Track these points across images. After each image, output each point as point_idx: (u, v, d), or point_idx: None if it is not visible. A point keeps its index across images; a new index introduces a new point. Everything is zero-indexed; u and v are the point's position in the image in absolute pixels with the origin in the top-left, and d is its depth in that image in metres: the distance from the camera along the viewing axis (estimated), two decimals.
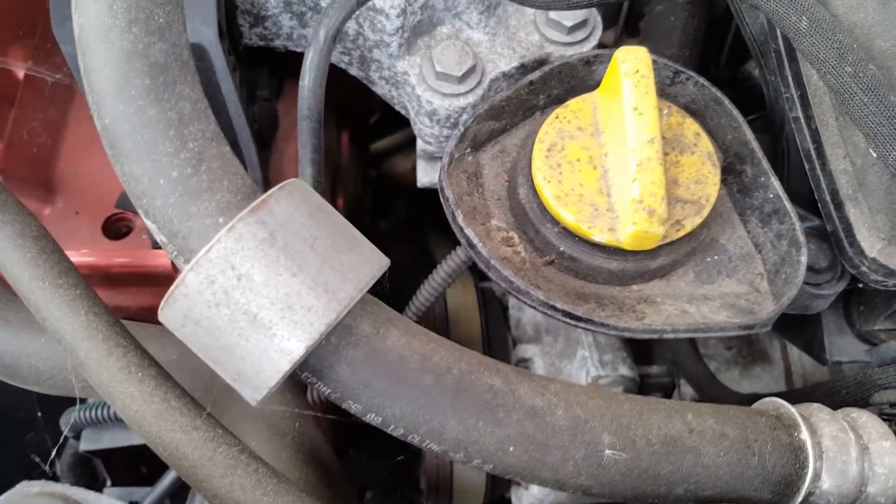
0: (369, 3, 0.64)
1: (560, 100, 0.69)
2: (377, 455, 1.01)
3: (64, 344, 0.48)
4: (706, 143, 0.65)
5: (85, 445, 0.87)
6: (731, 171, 0.69)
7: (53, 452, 0.86)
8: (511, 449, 0.46)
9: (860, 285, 0.67)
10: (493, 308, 0.97)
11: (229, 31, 0.70)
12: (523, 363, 0.90)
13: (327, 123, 0.67)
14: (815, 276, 0.68)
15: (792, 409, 0.53)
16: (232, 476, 0.46)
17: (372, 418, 0.46)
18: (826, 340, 0.75)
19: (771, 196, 0.66)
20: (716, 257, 0.67)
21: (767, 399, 0.56)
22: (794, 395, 0.86)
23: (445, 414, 0.46)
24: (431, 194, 0.74)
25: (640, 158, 0.56)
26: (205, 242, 0.40)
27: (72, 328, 0.48)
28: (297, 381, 0.71)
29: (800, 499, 0.50)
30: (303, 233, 0.42)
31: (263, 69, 0.80)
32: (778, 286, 0.64)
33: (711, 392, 0.96)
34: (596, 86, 0.65)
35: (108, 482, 0.94)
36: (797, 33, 0.54)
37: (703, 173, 0.63)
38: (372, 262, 0.45)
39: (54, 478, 0.91)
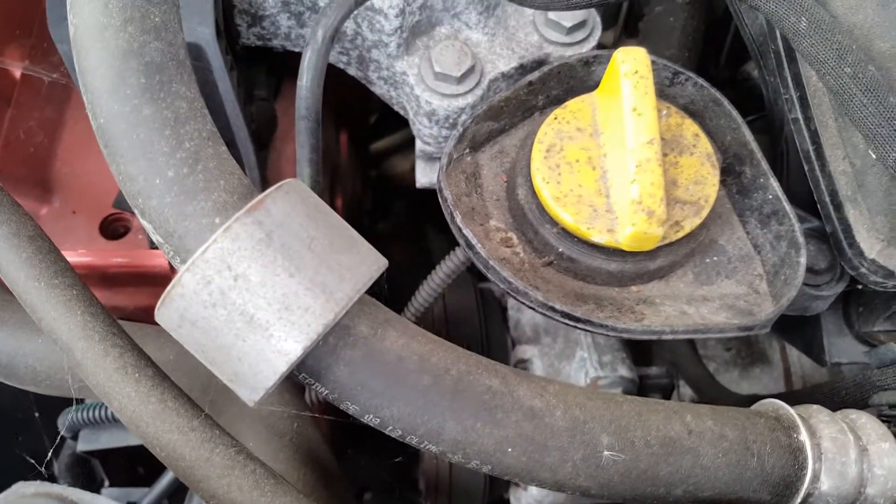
0: (367, 3, 0.64)
1: (559, 100, 0.69)
2: (376, 456, 1.01)
3: (60, 344, 0.48)
4: (705, 144, 0.64)
5: (82, 446, 0.87)
6: (730, 172, 0.69)
7: (50, 453, 0.86)
8: (509, 450, 0.46)
9: (859, 286, 0.67)
10: (492, 309, 0.97)
11: (227, 30, 0.69)
12: (522, 364, 0.89)
13: (326, 123, 0.66)
14: (814, 277, 0.68)
15: (791, 411, 0.53)
16: (229, 477, 0.46)
17: (370, 419, 0.46)
18: (825, 342, 0.75)
19: (770, 197, 0.65)
20: (715, 258, 0.67)
21: (766, 400, 0.56)
22: (794, 397, 0.86)
23: (444, 415, 0.45)
24: (430, 195, 0.74)
25: (640, 159, 0.56)
26: (201, 242, 0.40)
27: (68, 328, 0.48)
28: (295, 382, 0.71)
29: (799, 500, 0.50)
30: (300, 233, 0.42)
31: (261, 69, 0.80)
32: (777, 287, 0.64)
33: (710, 393, 0.96)
34: (595, 86, 0.65)
35: (106, 483, 0.94)
36: (796, 34, 0.54)
37: (702, 174, 0.63)
38: (370, 263, 0.45)
39: (52, 478, 0.91)
